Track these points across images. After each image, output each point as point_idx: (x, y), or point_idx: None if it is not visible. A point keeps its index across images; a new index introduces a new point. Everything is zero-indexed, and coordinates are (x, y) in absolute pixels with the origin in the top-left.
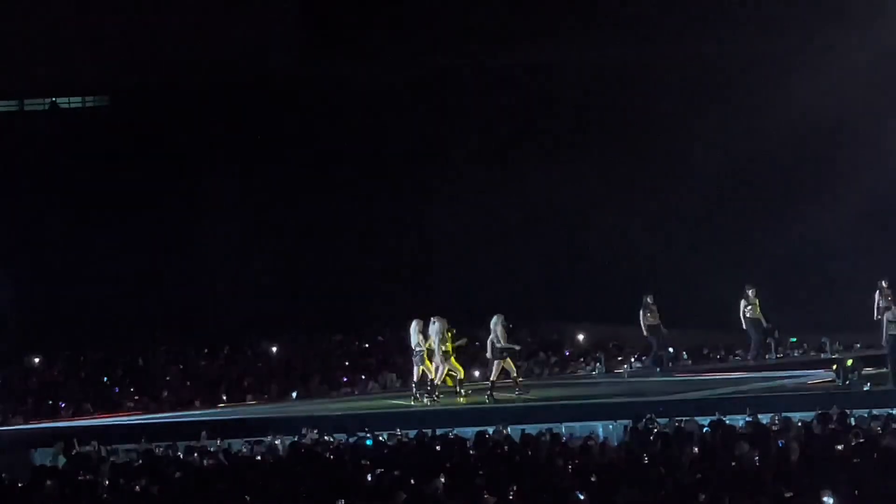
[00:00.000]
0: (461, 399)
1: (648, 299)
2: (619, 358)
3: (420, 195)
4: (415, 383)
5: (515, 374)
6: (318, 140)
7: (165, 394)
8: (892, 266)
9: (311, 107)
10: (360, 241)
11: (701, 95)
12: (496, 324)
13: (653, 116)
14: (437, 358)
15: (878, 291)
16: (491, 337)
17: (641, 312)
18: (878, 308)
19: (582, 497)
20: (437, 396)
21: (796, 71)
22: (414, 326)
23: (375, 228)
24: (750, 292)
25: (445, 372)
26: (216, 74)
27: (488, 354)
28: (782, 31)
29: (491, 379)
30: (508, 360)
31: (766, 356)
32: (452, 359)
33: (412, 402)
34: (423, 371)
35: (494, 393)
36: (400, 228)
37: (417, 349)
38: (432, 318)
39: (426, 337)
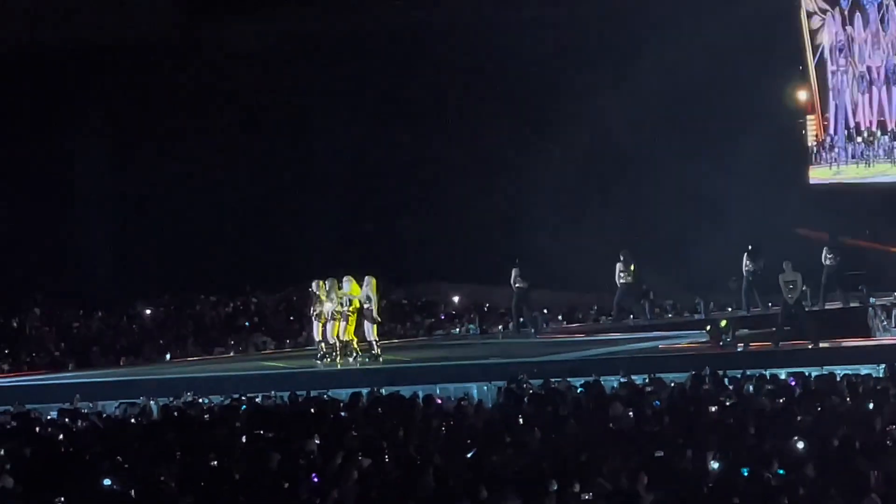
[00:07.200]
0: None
1: (514, 271)
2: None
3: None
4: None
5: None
6: (193, 102)
7: (39, 355)
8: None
9: (191, 69)
10: (236, 202)
11: (578, 63)
12: (368, 285)
13: (530, 80)
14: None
15: (745, 255)
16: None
17: (512, 280)
18: (746, 272)
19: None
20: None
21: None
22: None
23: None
24: (622, 256)
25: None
26: (92, 36)
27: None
28: None
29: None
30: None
31: (639, 317)
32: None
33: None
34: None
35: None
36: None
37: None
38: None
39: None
